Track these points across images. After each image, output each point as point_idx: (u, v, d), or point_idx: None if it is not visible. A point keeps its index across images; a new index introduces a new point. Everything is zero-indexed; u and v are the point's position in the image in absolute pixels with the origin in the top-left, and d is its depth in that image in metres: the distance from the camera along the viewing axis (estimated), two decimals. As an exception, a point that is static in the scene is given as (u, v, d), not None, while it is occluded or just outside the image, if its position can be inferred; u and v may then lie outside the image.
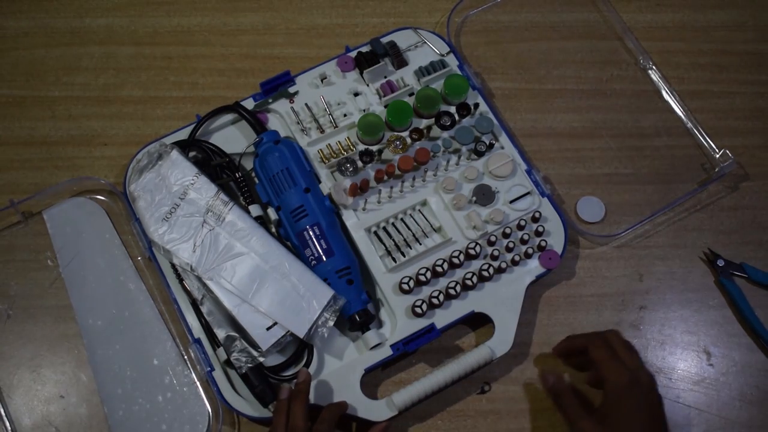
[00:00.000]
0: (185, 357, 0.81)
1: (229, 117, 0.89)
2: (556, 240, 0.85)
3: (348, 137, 0.88)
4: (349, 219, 0.84)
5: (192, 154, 0.86)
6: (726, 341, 0.85)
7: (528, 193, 0.86)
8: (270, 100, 0.89)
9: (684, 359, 0.85)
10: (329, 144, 0.87)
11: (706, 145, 0.93)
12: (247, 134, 0.88)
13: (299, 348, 0.80)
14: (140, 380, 0.80)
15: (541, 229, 0.84)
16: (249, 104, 0.89)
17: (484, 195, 0.85)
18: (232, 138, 0.88)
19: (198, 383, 0.80)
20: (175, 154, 0.83)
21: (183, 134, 0.87)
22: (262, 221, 0.83)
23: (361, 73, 0.90)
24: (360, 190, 0.84)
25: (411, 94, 0.90)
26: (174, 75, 0.95)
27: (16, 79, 0.94)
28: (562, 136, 0.94)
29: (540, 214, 0.85)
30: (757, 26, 1.00)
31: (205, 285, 0.79)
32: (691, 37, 1.00)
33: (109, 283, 0.84)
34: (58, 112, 0.93)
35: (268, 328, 0.78)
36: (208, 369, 0.78)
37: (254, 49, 0.97)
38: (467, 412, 0.82)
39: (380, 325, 0.82)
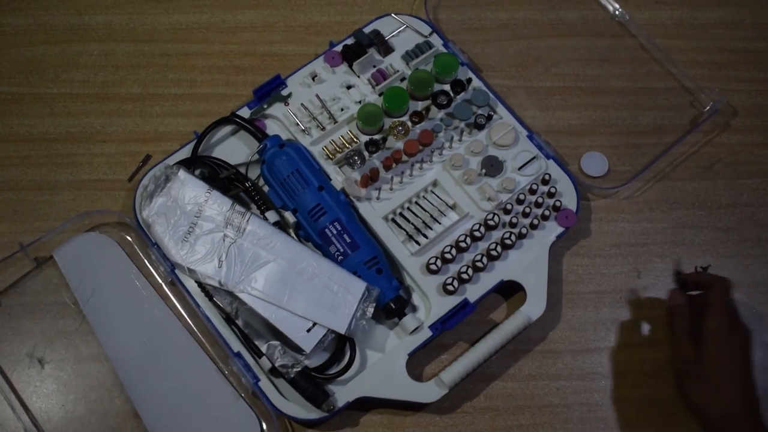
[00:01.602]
0: (225, 373, 0.80)
1: (227, 129, 0.89)
2: (568, 199, 0.86)
3: (349, 130, 0.88)
4: (366, 210, 0.85)
5: (198, 171, 0.85)
6: (724, 338, 0.85)
7: (534, 158, 0.87)
8: (265, 106, 0.89)
9: (682, 356, 0.85)
10: (332, 140, 0.87)
11: (694, 87, 0.95)
12: (248, 143, 0.88)
13: (340, 344, 0.80)
14: (184, 406, 0.79)
15: (553, 190, 0.86)
16: (245, 113, 0.88)
17: (492, 166, 0.87)
18: (235, 149, 0.88)
19: (242, 397, 0.79)
20: (182, 173, 0.82)
21: (184, 152, 0.86)
22: (281, 226, 0.83)
23: (351, 66, 0.90)
24: (371, 180, 0.85)
25: (403, 79, 0.91)
26: (173, 72, 0.95)
27: (15, 76, 0.94)
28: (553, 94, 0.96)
29: (549, 176, 0.87)
30: (756, 24, 1.00)
31: (237, 298, 0.79)
32: (689, 34, 1.00)
33: (133, 314, 0.82)
34: (57, 109, 0.93)
35: (309, 330, 0.78)
36: (254, 380, 0.78)
37: (253, 47, 0.97)
38: (465, 408, 0.82)
39: (415, 309, 0.83)
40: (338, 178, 0.86)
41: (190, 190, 0.81)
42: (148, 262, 0.85)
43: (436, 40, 0.92)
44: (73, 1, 0.98)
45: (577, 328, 0.85)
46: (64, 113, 0.93)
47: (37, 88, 0.94)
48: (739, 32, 1.00)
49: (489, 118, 0.89)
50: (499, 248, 0.83)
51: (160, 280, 0.84)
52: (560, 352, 0.84)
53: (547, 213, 0.85)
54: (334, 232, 0.81)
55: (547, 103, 0.95)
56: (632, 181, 0.90)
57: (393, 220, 0.85)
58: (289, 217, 0.83)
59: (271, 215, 0.83)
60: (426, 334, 0.80)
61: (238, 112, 0.88)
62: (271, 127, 0.89)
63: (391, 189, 0.85)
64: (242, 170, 0.86)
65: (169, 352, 0.81)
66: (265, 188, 0.86)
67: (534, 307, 0.82)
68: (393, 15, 0.94)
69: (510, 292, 0.85)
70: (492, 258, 0.83)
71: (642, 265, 0.88)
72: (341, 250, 0.80)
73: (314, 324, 0.78)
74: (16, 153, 0.90)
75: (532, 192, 0.86)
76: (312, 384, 0.77)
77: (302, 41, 0.97)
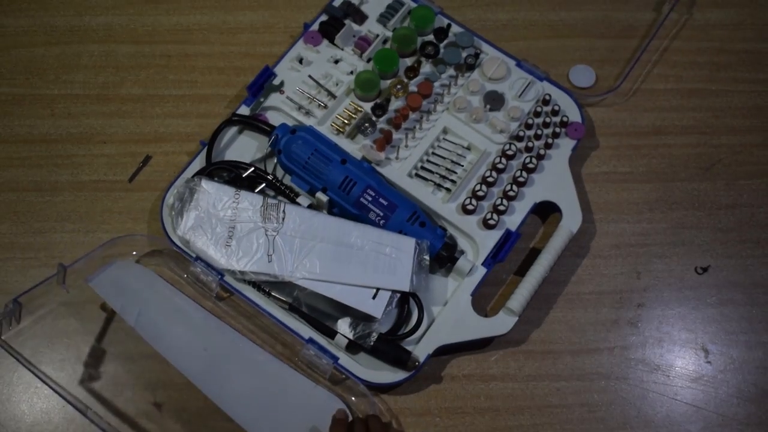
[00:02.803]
0: (296, 367, 0.81)
1: (233, 130, 0.89)
2: (572, 113, 0.90)
3: (351, 102, 0.90)
4: (390, 172, 0.87)
5: (216, 178, 0.85)
6: (724, 339, 0.85)
7: (529, 83, 0.91)
8: (261, 99, 0.90)
9: (682, 357, 0.85)
10: (337, 115, 0.89)
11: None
12: (256, 138, 0.89)
13: (405, 303, 0.81)
14: (267, 401, 0.79)
15: (556, 108, 0.90)
16: (244, 111, 0.89)
17: (494, 100, 0.90)
18: (245, 147, 0.89)
19: (320, 383, 0.80)
20: (205, 183, 0.82)
21: (197, 163, 0.87)
22: (314, 208, 0.84)
23: (332, 41, 0.92)
24: (387, 142, 0.86)
25: (385, 41, 0.93)
26: (173, 73, 0.95)
27: (16, 77, 0.94)
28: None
29: (549, 96, 0.90)
30: (755, 25, 1.01)
31: (296, 287, 0.79)
32: (688, 35, 1.00)
33: (185, 328, 0.82)
34: (57, 110, 0.93)
35: (374, 297, 0.79)
36: (334, 360, 0.79)
37: (253, 48, 0.97)
38: (465, 409, 0.82)
39: (463, 252, 0.85)
40: (355, 148, 0.87)
41: (218, 196, 0.81)
42: (187, 280, 0.84)
43: None
44: (73, 3, 0.98)
45: (577, 329, 0.85)
46: (65, 114, 0.93)
47: (38, 89, 0.94)
48: (738, 33, 1.00)
49: (477, 56, 0.92)
50: (524, 173, 0.86)
51: (208, 290, 0.83)
52: (560, 352, 0.84)
53: (557, 130, 0.89)
54: (369, 199, 0.82)
55: (527, 31, 0.99)
56: (622, 81, 0.94)
57: (417, 174, 0.88)
58: (321, 196, 0.84)
59: (303, 200, 0.84)
60: (481, 271, 0.83)
61: (237, 112, 0.89)
62: (274, 118, 0.90)
63: (406, 146, 0.88)
64: (262, 165, 0.87)
65: (234, 357, 0.81)
66: (287, 178, 0.86)
67: (571, 219, 0.85)
68: None
69: (545, 213, 0.88)
70: (520, 184, 0.86)
71: (642, 265, 0.88)
72: (381, 214, 0.82)
73: (377, 289, 0.79)
74: (16, 154, 0.91)
75: (537, 114, 0.90)
76: (392, 346, 0.79)
77: (302, 42, 0.97)
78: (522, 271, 0.85)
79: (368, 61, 0.92)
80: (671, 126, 0.95)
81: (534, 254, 0.85)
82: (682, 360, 0.85)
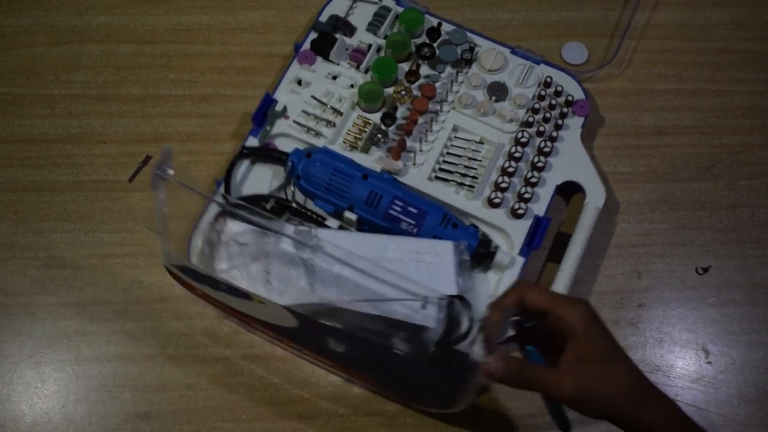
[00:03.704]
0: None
1: (245, 163, 0.87)
2: (573, 90, 0.92)
3: (358, 115, 0.89)
4: (410, 179, 0.87)
5: (238, 212, 0.82)
6: (724, 339, 0.85)
7: (528, 68, 0.92)
8: (268, 128, 0.88)
9: (682, 357, 0.85)
10: (347, 131, 0.88)
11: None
12: (270, 166, 0.87)
13: (450, 306, 0.78)
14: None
15: (559, 89, 0.91)
16: (252, 142, 0.87)
17: (498, 90, 0.91)
18: (261, 178, 0.87)
19: None
20: (231, 223, 0.80)
21: (216, 204, 0.83)
22: (345, 228, 0.83)
23: (327, 58, 0.91)
24: (401, 149, 0.86)
25: (379, 49, 0.92)
26: (173, 73, 0.95)
27: (16, 77, 0.94)
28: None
29: (551, 78, 0.91)
30: (756, 25, 1.00)
31: (343, 310, 0.77)
32: (690, 35, 1.00)
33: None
34: (57, 109, 0.93)
35: (423, 306, 0.77)
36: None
37: (254, 48, 0.97)
38: (465, 409, 0.82)
39: (498, 247, 0.84)
40: (371, 161, 0.87)
41: (246, 235, 0.79)
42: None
43: (388, 2, 0.95)
44: (74, 2, 0.98)
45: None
46: (65, 114, 0.93)
47: (38, 89, 0.94)
48: (739, 33, 1.00)
49: (472, 50, 0.92)
50: (541, 158, 0.87)
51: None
52: (561, 353, 0.84)
53: (564, 111, 0.90)
54: (398, 209, 0.82)
55: (510, 17, 1.00)
56: (617, 53, 0.95)
57: (437, 177, 0.87)
58: (350, 215, 0.83)
59: (332, 222, 0.83)
60: (519, 261, 0.83)
61: (246, 144, 0.87)
62: (285, 144, 0.88)
63: (421, 150, 0.88)
64: (282, 195, 0.86)
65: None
66: (308, 202, 0.85)
67: (596, 196, 0.86)
68: None
69: (568, 194, 0.89)
70: (539, 169, 0.87)
71: (642, 266, 0.88)
72: (412, 222, 0.81)
73: (425, 298, 0.77)
74: (16, 154, 0.91)
75: (542, 98, 0.91)
76: (451, 352, 0.77)
77: (303, 42, 0.97)
78: (554, 256, 0.86)
79: (366, 71, 0.91)
80: (672, 126, 0.95)
81: (562, 237, 0.86)
82: (682, 360, 0.84)
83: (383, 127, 0.88)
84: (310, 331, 0.74)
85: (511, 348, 0.69)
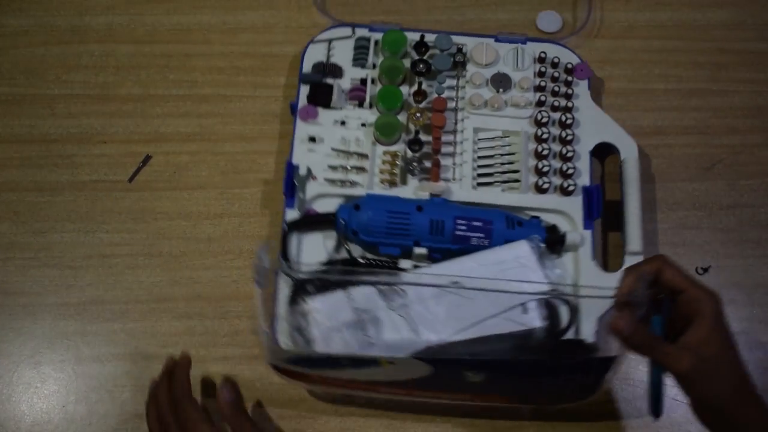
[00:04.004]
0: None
1: (293, 238, 0.85)
2: (568, 57, 0.93)
3: (384, 152, 0.88)
4: (457, 195, 0.86)
5: (310, 287, 0.79)
6: (724, 339, 0.85)
7: (519, 50, 0.93)
8: (302, 195, 0.86)
9: (682, 357, 0.85)
10: (379, 169, 0.87)
11: None
12: (318, 233, 0.85)
13: (546, 300, 0.79)
14: None
15: (556, 60, 0.92)
16: (293, 214, 0.84)
17: (501, 81, 0.91)
18: (314, 245, 0.84)
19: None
20: (311, 301, 0.77)
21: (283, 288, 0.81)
22: (419, 265, 0.82)
23: (328, 106, 0.89)
24: (438, 169, 0.86)
25: (373, 81, 0.91)
26: (173, 73, 0.95)
27: (16, 77, 0.94)
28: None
29: (545, 53, 0.92)
30: (757, 25, 1.00)
31: (457, 343, 0.75)
32: (690, 35, 1.00)
33: None
34: (57, 109, 0.93)
35: (524, 311, 0.77)
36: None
37: (254, 48, 0.97)
38: (465, 408, 0.82)
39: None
40: (414, 191, 0.86)
41: (331, 307, 0.77)
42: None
43: (361, 32, 0.93)
44: (73, 2, 0.98)
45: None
46: (65, 114, 0.93)
47: (38, 89, 0.94)
48: (739, 33, 1.00)
49: (460, 51, 0.93)
50: (567, 131, 0.88)
51: None
52: (561, 352, 0.84)
53: (569, 79, 0.92)
54: (464, 228, 0.81)
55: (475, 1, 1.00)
56: (589, 14, 0.97)
57: (479, 184, 0.87)
58: (419, 251, 0.81)
59: (405, 263, 0.82)
60: (587, 235, 0.85)
61: (287, 220, 0.84)
62: (324, 205, 0.86)
63: (454, 164, 0.88)
64: (344, 255, 0.84)
65: None
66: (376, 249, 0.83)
67: (628, 150, 0.88)
68: (311, 42, 0.92)
69: (601, 156, 0.92)
70: (569, 142, 0.88)
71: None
72: (481, 235, 0.81)
73: (523, 302, 0.77)
74: (16, 154, 0.91)
75: (542, 74, 0.92)
76: (568, 344, 0.78)
77: (303, 42, 0.97)
78: (607, 221, 0.87)
79: (370, 106, 0.90)
80: (672, 126, 0.95)
81: (608, 205, 0.88)
82: (682, 360, 0.84)
83: (413, 154, 0.87)
84: (446, 372, 0.72)
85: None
